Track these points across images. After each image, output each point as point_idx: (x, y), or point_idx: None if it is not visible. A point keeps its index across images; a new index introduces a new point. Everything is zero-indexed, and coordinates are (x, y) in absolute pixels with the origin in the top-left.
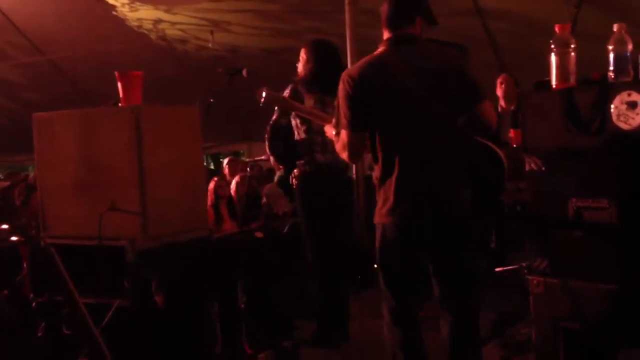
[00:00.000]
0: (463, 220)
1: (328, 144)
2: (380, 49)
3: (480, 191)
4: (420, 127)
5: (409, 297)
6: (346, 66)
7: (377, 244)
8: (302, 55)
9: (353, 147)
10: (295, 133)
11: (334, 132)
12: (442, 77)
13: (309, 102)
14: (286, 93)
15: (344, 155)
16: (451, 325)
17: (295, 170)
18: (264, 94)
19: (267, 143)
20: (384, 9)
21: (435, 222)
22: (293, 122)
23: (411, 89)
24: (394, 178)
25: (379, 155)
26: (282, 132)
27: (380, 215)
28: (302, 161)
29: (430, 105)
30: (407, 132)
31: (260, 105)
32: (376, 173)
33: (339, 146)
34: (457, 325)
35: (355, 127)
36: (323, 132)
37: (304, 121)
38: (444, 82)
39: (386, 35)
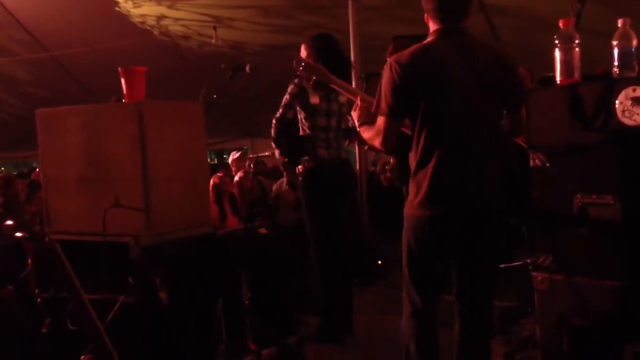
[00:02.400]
0: (495, 220)
1: (332, 140)
2: (430, 39)
3: (510, 191)
4: (462, 121)
5: (433, 291)
6: (349, 59)
7: (404, 235)
8: (303, 51)
9: (388, 135)
10: (300, 129)
11: (357, 120)
12: (492, 74)
13: (314, 99)
14: (290, 90)
15: (376, 143)
16: (464, 322)
17: (299, 167)
18: (303, 63)
19: (273, 137)
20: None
21: (468, 220)
22: (298, 117)
23: (458, 82)
24: (429, 170)
25: (417, 145)
26: (288, 127)
27: (412, 207)
28: (305, 157)
29: (475, 100)
30: (447, 125)
31: (297, 73)
32: (412, 163)
33: (371, 133)
34: (471, 323)
35: (395, 114)
36: (327, 129)
37: (308, 117)
38: (492, 79)
39: (435, 26)
